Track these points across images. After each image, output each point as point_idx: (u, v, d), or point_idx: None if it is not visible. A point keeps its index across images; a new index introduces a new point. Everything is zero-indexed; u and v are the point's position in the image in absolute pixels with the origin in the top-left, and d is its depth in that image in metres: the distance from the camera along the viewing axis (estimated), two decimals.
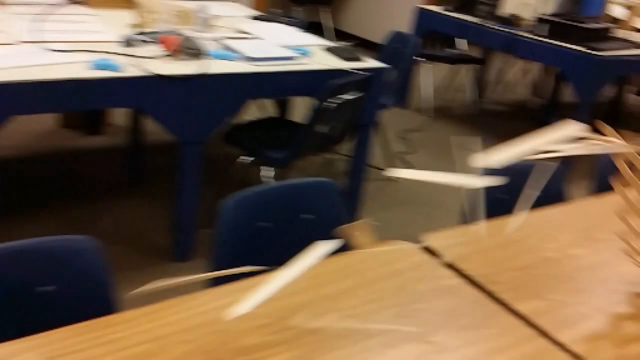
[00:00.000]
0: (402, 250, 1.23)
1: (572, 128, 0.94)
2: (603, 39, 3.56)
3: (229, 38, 2.53)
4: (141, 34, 2.33)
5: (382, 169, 3.52)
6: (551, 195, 1.66)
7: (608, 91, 5.51)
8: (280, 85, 2.29)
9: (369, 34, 6.44)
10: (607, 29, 3.61)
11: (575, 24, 3.46)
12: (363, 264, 1.17)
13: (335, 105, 2.31)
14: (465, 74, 5.24)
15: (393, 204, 3.13)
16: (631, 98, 5.15)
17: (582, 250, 1.31)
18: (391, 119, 4.41)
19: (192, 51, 2.24)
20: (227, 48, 2.39)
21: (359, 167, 2.75)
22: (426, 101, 4.79)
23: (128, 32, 2.34)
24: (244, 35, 2.64)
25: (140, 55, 2.15)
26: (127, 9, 2.84)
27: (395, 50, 3.32)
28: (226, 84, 2.16)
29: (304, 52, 2.47)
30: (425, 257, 1.22)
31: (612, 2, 3.98)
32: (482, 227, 1.35)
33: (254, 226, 1.29)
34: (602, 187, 1.82)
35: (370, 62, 2.54)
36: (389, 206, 3.11)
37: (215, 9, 3.02)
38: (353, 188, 2.78)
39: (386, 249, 1.23)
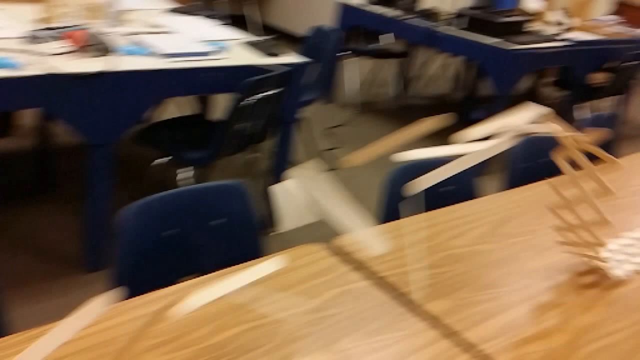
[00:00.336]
0: (311, 254, 1.20)
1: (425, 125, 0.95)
2: (519, 32, 3.66)
3: (142, 33, 2.43)
4: (47, 29, 2.19)
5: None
6: (463, 191, 1.68)
7: (526, 83, 5.71)
8: (195, 82, 2.22)
9: (295, 28, 6.39)
10: (522, 23, 3.72)
11: (491, 17, 3.55)
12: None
13: (254, 101, 2.26)
14: (389, 68, 5.29)
15: None
16: (547, 89, 5.34)
17: (490, 245, 1.32)
18: (317, 114, 4.39)
19: (101, 47, 2.13)
20: (140, 43, 2.29)
21: (281, 165, 2.71)
22: (352, 96, 4.80)
23: (33, 27, 2.20)
24: (158, 30, 2.54)
25: (45, 52, 2.02)
26: (34, 3, 2.68)
27: (318, 45, 3.30)
28: (137, 82, 2.07)
29: (221, 47, 2.41)
30: (335, 259, 1.19)
31: None
32: (386, 228, 1.34)
33: (158, 234, 1.22)
34: (513, 181, 1.86)
35: (291, 57, 2.50)
36: None
37: (128, 2, 2.90)
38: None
39: (295, 253, 1.20)
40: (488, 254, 1.29)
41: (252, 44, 2.54)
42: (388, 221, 1.39)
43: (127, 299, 1.02)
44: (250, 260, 1.21)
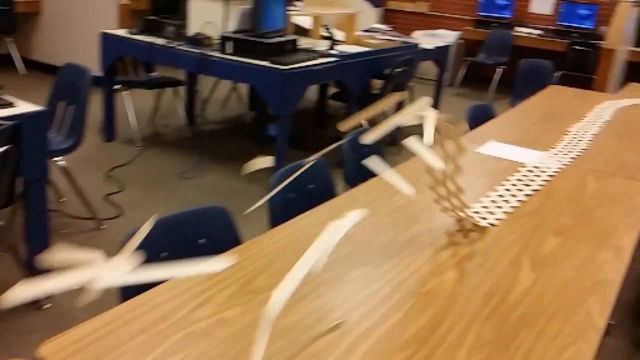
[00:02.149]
0: None
1: None
2: (289, 51, 3.65)
3: None
4: None
5: (88, 218, 3.12)
6: (222, 239, 1.51)
7: (313, 95, 5.82)
8: None
9: (61, 62, 5.84)
10: (292, 42, 3.71)
11: (258, 39, 3.48)
12: None
13: None
14: (174, 97, 5.04)
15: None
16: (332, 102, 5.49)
17: (238, 309, 1.16)
18: (95, 156, 3.99)
19: None
20: None
21: (39, 229, 2.34)
22: (133, 131, 4.46)
23: None
24: None
25: None
26: None
27: (71, 84, 2.95)
28: None
29: None
30: None
31: (293, 14, 4.13)
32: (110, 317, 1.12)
33: None
34: (276, 219, 1.74)
35: (22, 107, 2.16)
36: None
37: None
38: (36, 253, 2.36)
39: None
40: (234, 321, 1.12)
41: None
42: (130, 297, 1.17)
43: None
44: None
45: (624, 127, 2.99)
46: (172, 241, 1.45)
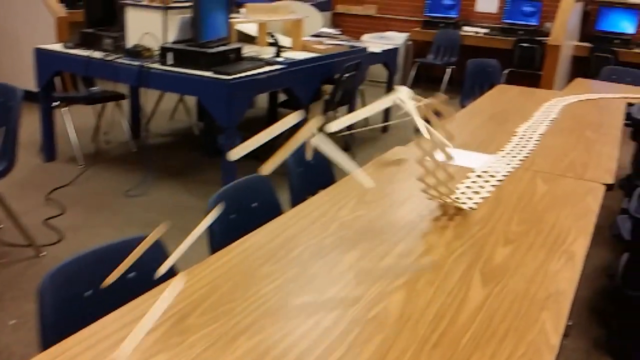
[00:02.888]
0: None
1: None
2: (232, 60, 3.54)
3: None
4: None
5: (26, 245, 2.95)
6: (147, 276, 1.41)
7: (264, 103, 5.71)
8: None
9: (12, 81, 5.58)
10: (235, 50, 3.60)
11: (199, 49, 3.36)
12: None
13: None
14: (117, 111, 4.86)
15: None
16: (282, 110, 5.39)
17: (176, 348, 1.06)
18: (34, 178, 3.80)
19: None
20: None
21: None
22: (74, 149, 4.27)
23: None
24: None
25: None
26: None
27: (1, 105, 2.78)
28: None
29: None
30: None
31: (236, 22, 4.03)
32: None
33: None
34: (215, 245, 1.63)
35: None
36: (33, 294, 2.58)
37: None
38: None
39: None
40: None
41: None
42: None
43: None
44: None
45: (572, 124, 2.99)
46: (98, 278, 1.33)
